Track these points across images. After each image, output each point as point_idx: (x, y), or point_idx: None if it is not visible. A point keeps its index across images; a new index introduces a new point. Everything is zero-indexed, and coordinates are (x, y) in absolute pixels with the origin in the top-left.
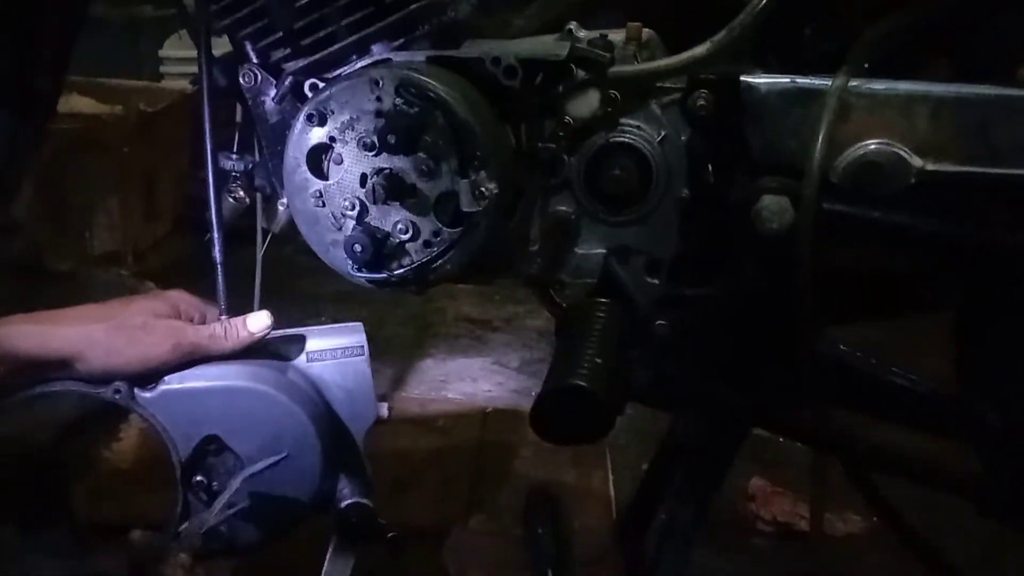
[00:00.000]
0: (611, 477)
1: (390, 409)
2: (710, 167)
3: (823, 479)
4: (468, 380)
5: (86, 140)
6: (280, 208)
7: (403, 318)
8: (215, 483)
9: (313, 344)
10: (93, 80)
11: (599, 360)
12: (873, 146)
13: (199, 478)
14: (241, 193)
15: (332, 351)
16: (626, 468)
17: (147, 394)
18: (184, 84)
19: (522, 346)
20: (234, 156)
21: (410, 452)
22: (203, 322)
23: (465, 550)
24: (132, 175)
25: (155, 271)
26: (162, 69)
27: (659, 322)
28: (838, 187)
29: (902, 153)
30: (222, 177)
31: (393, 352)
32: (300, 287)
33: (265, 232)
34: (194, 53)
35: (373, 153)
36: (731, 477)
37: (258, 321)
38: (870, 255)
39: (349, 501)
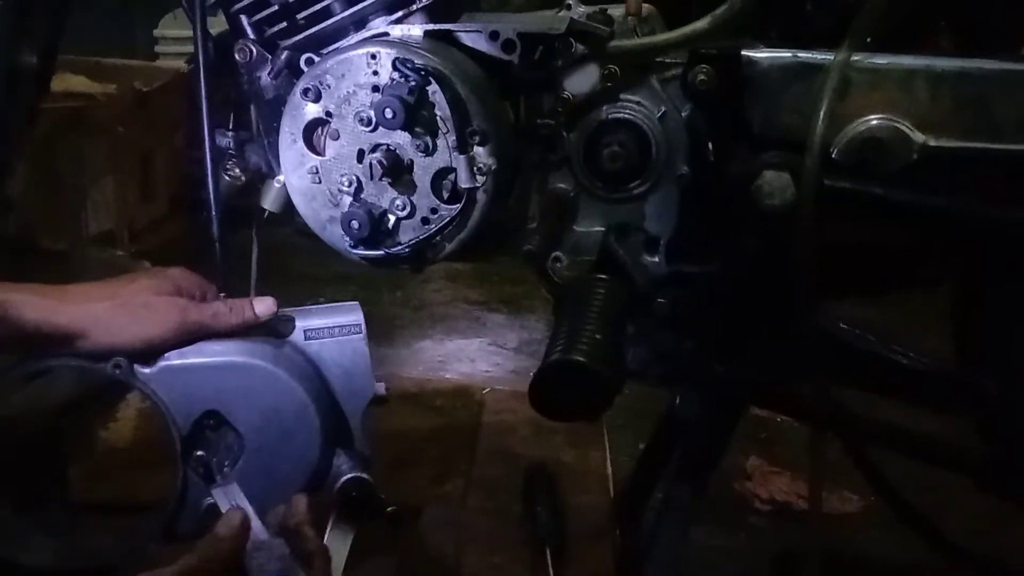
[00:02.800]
0: (609, 456)
1: (388, 389)
2: (710, 143)
3: (821, 457)
4: (466, 361)
5: (80, 119)
6: (276, 186)
7: (401, 299)
8: (215, 458)
9: (311, 322)
10: (87, 59)
11: (599, 336)
12: (875, 121)
13: (199, 453)
14: (237, 171)
15: (329, 329)
16: (624, 448)
17: (146, 370)
18: (180, 63)
19: (520, 327)
20: (230, 133)
21: (408, 431)
22: (204, 300)
23: (463, 527)
24: (127, 155)
25: (151, 251)
26: (157, 48)
27: (658, 300)
28: (839, 163)
29: (904, 129)
30: (218, 155)
31: (391, 333)
32: (298, 268)
33: (262, 210)
34: (189, 32)
35: (370, 128)
36: (728, 456)
37: (265, 306)
38: (870, 231)
39: (349, 476)
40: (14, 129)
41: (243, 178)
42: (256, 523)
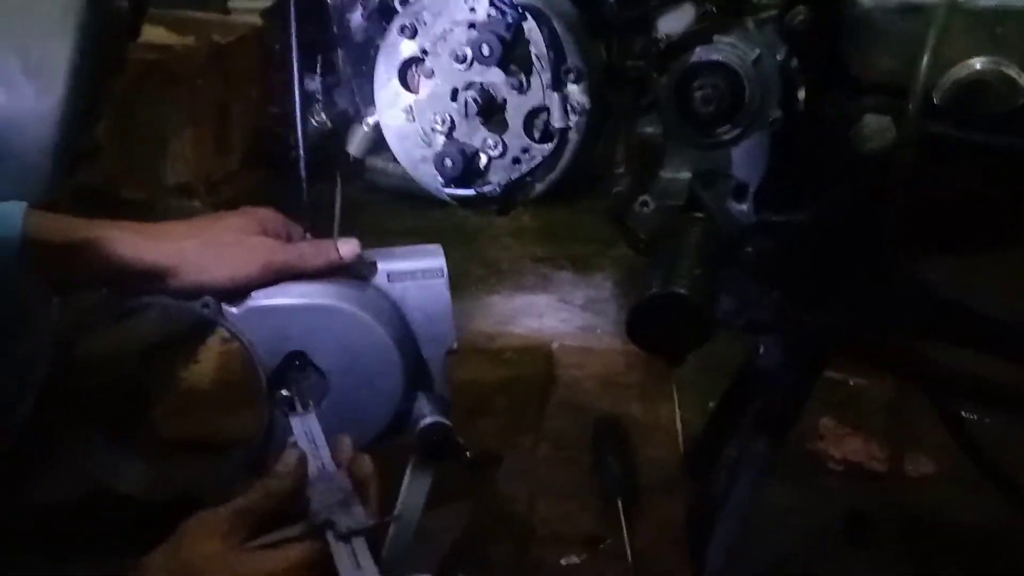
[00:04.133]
0: (678, 412)
1: (458, 340)
2: (805, 87)
3: (902, 418)
4: (534, 316)
5: (159, 71)
6: (363, 131)
7: (468, 255)
8: (299, 398)
9: (394, 265)
10: (165, 11)
11: (697, 271)
12: (980, 65)
13: (284, 393)
14: (323, 116)
15: (412, 273)
16: (692, 405)
17: (234, 309)
18: (254, 19)
19: (587, 285)
20: (317, 78)
21: (479, 383)
22: (289, 240)
23: (535, 476)
24: (205, 107)
25: (227, 203)
26: (230, 4)
27: (745, 248)
28: (941, 107)
29: (1012, 73)
30: (306, 99)
31: (459, 288)
32: (368, 224)
33: (346, 155)
34: None
35: (465, 66)
36: (800, 417)
37: (350, 247)
38: (970, 181)
39: (430, 420)
40: (106, 72)
41: (329, 124)
42: (326, 455)
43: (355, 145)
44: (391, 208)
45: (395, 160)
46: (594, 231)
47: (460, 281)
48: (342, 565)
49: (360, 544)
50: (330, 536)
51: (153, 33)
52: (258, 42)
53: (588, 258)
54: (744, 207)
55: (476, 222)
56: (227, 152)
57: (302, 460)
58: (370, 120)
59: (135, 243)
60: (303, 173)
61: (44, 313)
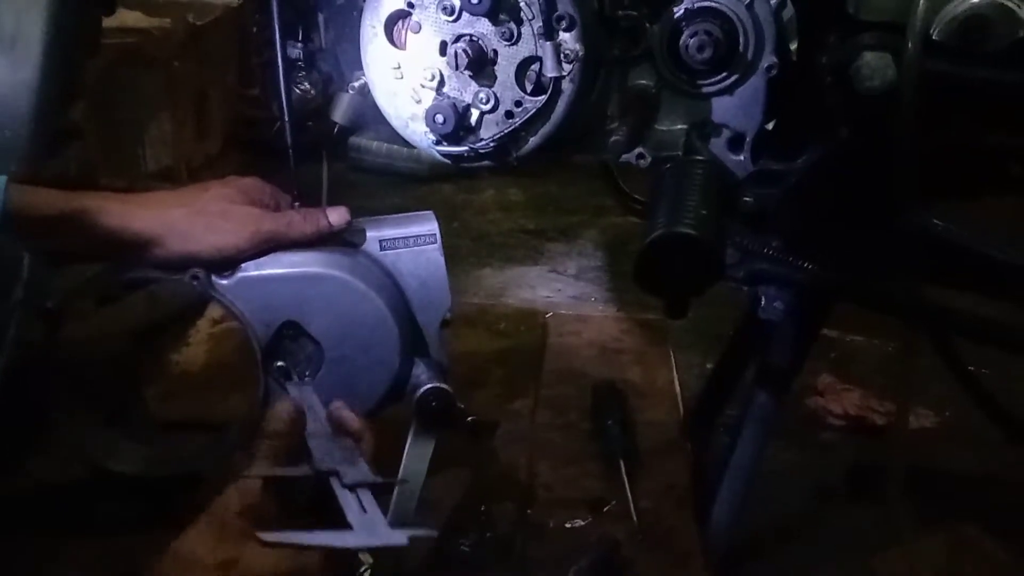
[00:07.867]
0: (676, 376)
1: (451, 312)
2: (802, 29)
3: (901, 372)
4: (526, 287)
5: (135, 54)
6: (346, 96)
7: (458, 229)
8: (295, 369)
9: (385, 232)
10: None
11: (704, 211)
12: None
13: (279, 364)
14: (307, 85)
15: (404, 239)
16: (690, 368)
17: (224, 281)
18: None
19: (578, 254)
20: (299, 45)
21: (473, 353)
22: (277, 209)
23: (535, 443)
24: (182, 90)
25: None
26: None
27: (744, 198)
28: (941, 44)
29: (1011, 5)
30: (289, 65)
31: (450, 262)
32: (353, 203)
33: (332, 123)
34: None
35: (453, 18)
36: (802, 369)
37: (339, 215)
38: (971, 122)
39: (428, 386)
40: (82, 45)
41: (312, 91)
42: (321, 417)
43: (340, 112)
44: (375, 186)
45: (377, 138)
46: (581, 202)
47: (450, 255)
48: (349, 510)
49: (366, 494)
50: (335, 483)
51: (129, 17)
52: (234, 23)
53: (577, 228)
54: (741, 158)
55: (463, 197)
56: (206, 137)
57: (296, 410)
58: (355, 84)
59: (120, 212)
60: (289, 140)
61: (14, 269)
